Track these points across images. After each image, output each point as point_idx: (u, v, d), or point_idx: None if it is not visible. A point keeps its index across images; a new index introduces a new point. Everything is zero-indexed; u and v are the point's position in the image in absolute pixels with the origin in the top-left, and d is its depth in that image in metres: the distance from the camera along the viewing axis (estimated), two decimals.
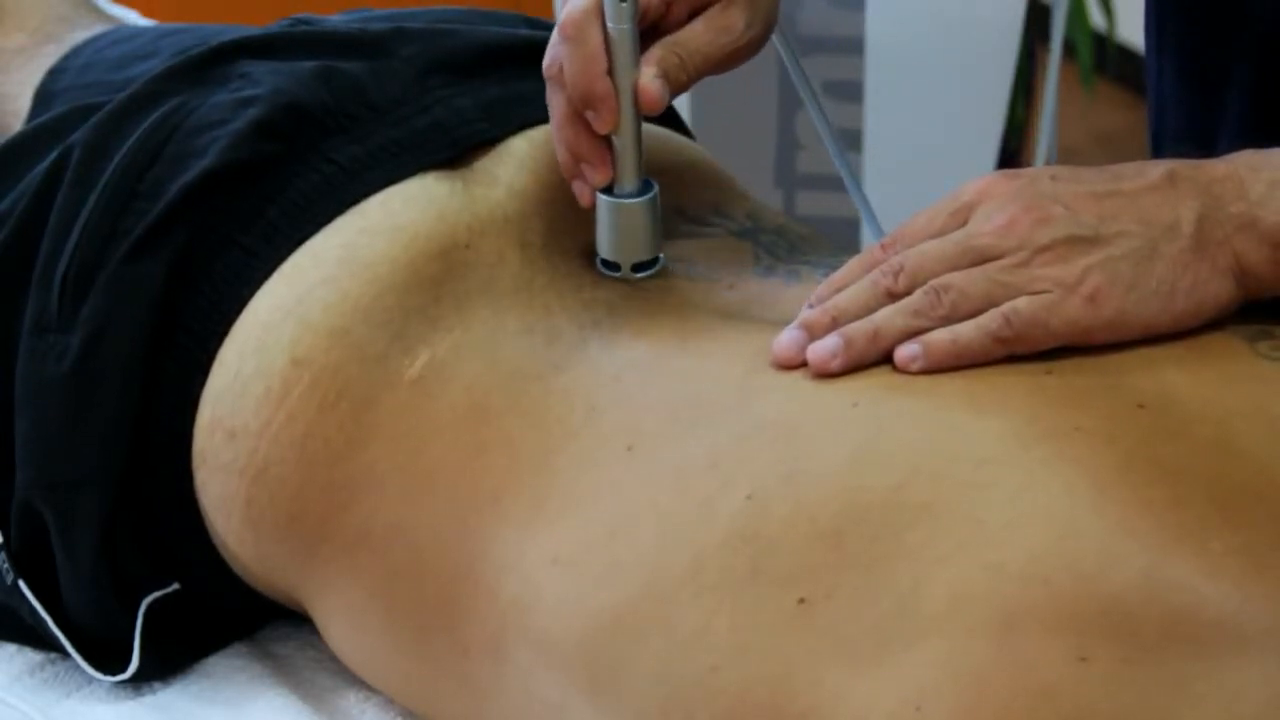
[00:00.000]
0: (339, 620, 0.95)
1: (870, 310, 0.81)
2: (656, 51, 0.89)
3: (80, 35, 1.41)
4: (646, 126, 1.06)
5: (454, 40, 1.05)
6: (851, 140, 2.03)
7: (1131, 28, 2.89)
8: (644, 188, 0.92)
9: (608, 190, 0.92)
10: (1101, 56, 3.00)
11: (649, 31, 0.89)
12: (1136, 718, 0.65)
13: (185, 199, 0.95)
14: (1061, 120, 2.64)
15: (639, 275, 0.94)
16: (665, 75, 0.88)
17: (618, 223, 0.92)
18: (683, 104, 2.00)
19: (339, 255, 0.93)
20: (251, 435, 0.92)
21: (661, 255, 0.94)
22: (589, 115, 0.89)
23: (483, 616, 0.84)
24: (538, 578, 0.81)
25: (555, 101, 0.90)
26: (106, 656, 0.99)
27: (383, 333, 0.91)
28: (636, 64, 0.88)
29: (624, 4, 0.87)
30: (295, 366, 0.92)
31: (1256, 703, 0.65)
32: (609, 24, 0.87)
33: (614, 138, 0.90)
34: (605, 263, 0.94)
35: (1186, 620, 0.66)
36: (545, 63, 0.90)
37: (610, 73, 0.88)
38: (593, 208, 0.92)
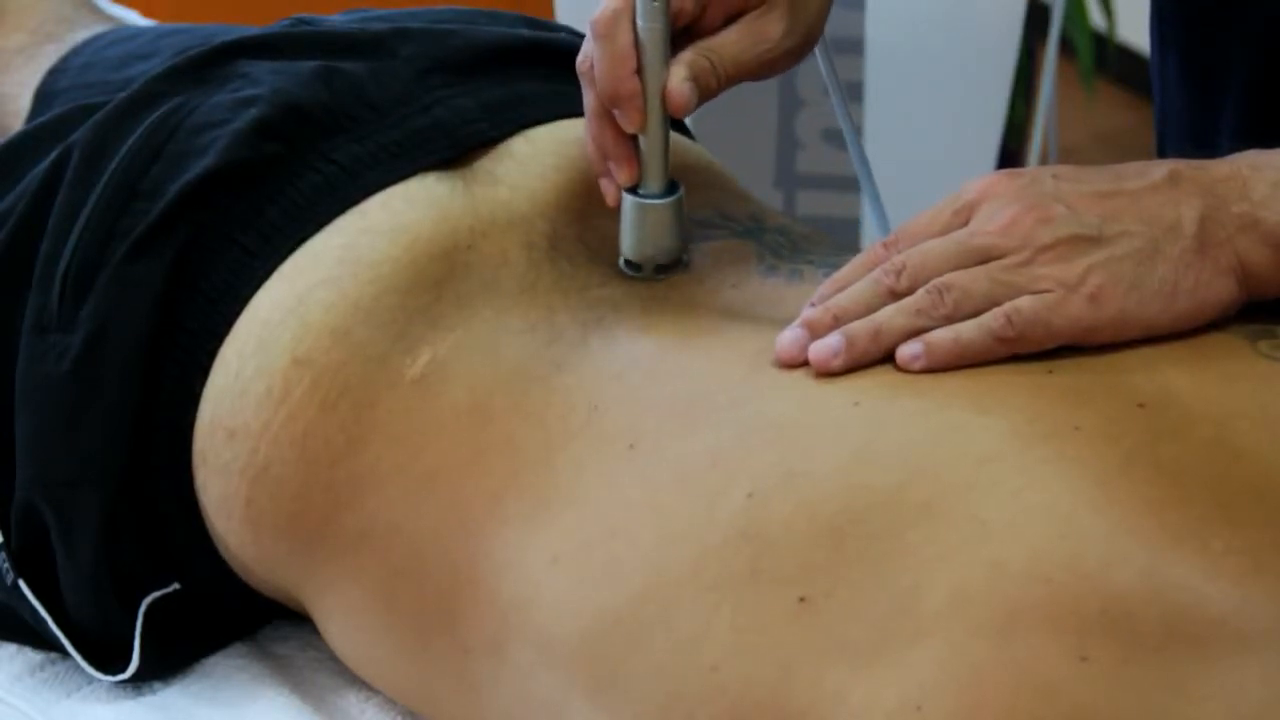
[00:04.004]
0: (339, 620, 0.94)
1: (872, 309, 0.81)
2: (688, 54, 0.88)
3: (80, 35, 1.41)
4: None
5: (454, 40, 1.05)
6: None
7: (1131, 28, 2.89)
8: (670, 189, 0.92)
9: (634, 190, 0.91)
10: (1102, 56, 3.00)
11: (683, 35, 0.89)
12: (1137, 717, 0.65)
13: (185, 199, 0.95)
14: (1061, 120, 2.64)
15: (661, 276, 0.93)
16: (695, 79, 0.88)
17: (642, 222, 0.92)
18: None
19: (340, 255, 0.93)
20: (252, 435, 0.92)
21: (686, 257, 0.93)
22: (616, 114, 0.89)
23: (483, 616, 0.84)
24: (538, 577, 0.81)
25: (586, 98, 0.90)
26: (106, 656, 0.99)
27: (384, 333, 0.91)
28: (666, 65, 0.88)
29: (655, 3, 0.86)
30: (296, 366, 0.92)
31: (1257, 702, 0.65)
32: (639, 23, 0.87)
33: (641, 137, 0.90)
34: (629, 263, 0.93)
35: (1187, 619, 0.66)
36: (578, 60, 0.90)
37: (639, 72, 0.87)
38: (617, 207, 0.92)
